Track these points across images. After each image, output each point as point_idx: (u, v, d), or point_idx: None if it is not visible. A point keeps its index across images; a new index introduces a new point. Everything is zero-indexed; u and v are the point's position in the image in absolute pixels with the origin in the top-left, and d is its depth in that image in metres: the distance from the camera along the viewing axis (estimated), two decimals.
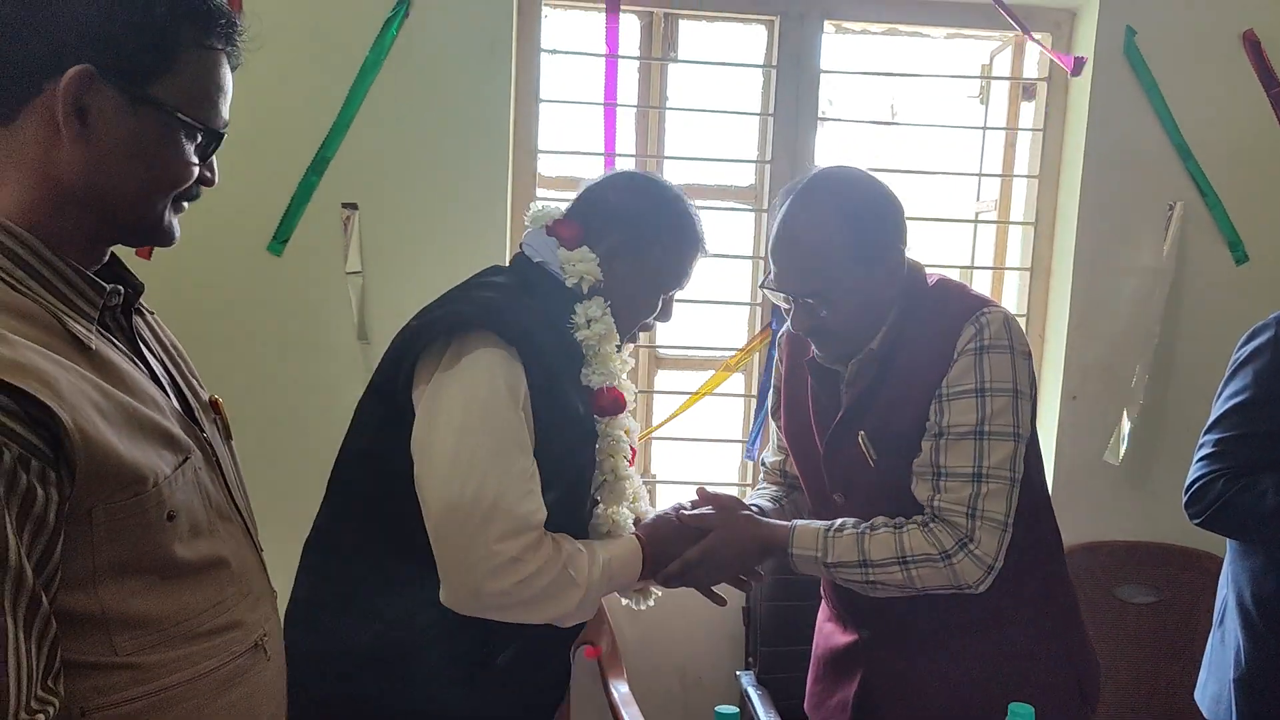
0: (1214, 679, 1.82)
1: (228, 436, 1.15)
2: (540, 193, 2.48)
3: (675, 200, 1.56)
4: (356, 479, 1.43)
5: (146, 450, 0.91)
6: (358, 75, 2.29)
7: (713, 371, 2.54)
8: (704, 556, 1.53)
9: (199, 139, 0.98)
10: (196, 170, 0.99)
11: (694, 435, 2.61)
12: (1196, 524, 1.74)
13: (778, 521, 1.60)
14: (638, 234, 1.52)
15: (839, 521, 1.54)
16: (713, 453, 2.74)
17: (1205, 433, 1.74)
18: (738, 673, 2.41)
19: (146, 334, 1.07)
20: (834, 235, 1.47)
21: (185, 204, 1.02)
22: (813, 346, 1.59)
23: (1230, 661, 1.77)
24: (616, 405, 1.49)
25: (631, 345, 1.63)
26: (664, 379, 2.63)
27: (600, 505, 1.50)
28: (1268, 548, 1.67)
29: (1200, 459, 1.73)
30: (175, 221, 1.02)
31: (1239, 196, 2.48)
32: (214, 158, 1.03)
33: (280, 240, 2.32)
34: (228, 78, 1.01)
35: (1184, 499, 1.74)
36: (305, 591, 1.43)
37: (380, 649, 1.36)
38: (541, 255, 1.50)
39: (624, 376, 1.54)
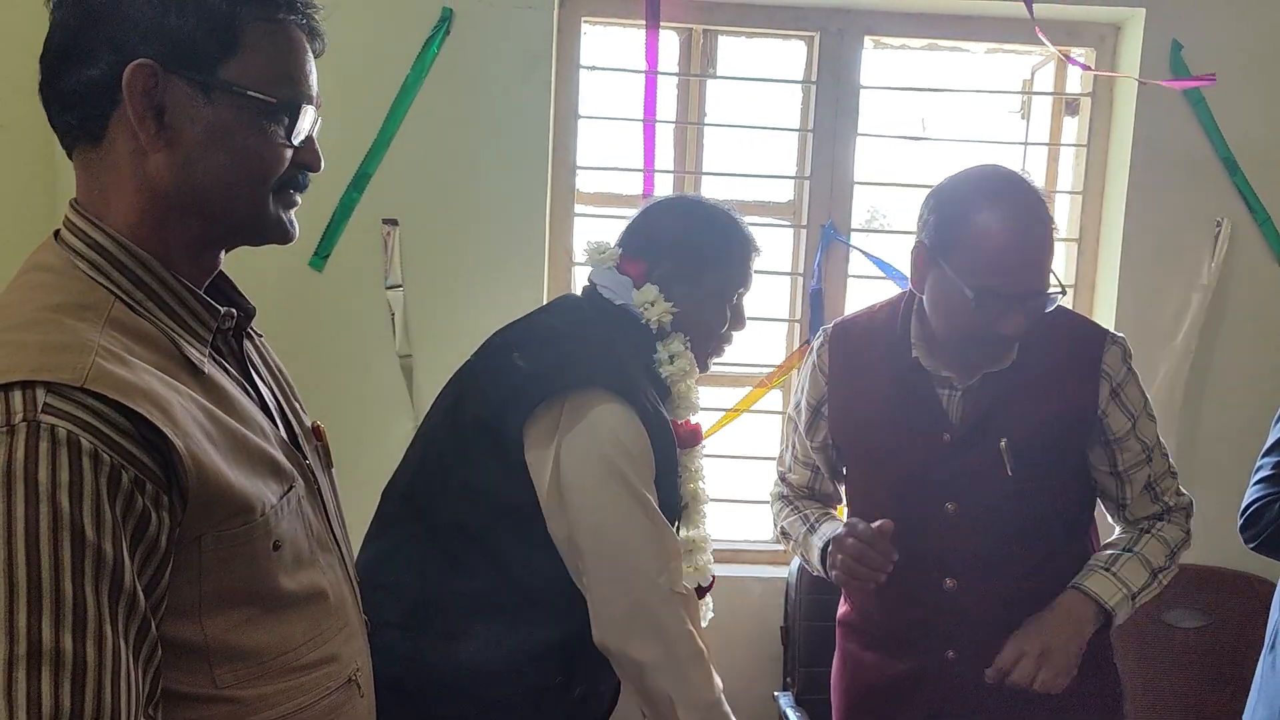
0: (1264, 704, 1.78)
1: (328, 464, 1.13)
2: (578, 209, 2.49)
3: (715, 213, 1.59)
4: (454, 509, 1.44)
5: (255, 479, 0.90)
6: (399, 93, 2.31)
7: (750, 388, 2.53)
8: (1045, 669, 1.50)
9: (283, 118, 0.93)
10: (289, 153, 0.95)
11: (731, 452, 2.59)
12: (1252, 548, 1.70)
13: (1063, 598, 1.57)
14: (688, 257, 1.53)
15: (1104, 555, 1.60)
16: (750, 470, 2.72)
17: (1264, 455, 1.70)
18: (775, 693, 2.38)
19: (256, 358, 1.06)
20: (1050, 232, 1.49)
21: (296, 194, 0.99)
22: (915, 349, 1.58)
23: None
24: (694, 437, 1.56)
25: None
26: (704, 395, 2.62)
27: (681, 528, 1.54)
28: None
29: (1258, 481, 1.68)
30: (289, 215, 0.98)
31: None
32: (315, 138, 0.98)
33: (322, 256, 2.34)
34: (303, 48, 0.96)
35: (1240, 522, 1.70)
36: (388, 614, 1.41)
37: (466, 673, 1.39)
38: (621, 297, 1.53)
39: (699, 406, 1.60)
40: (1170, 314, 2.45)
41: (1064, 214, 2.64)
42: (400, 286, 2.35)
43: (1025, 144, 2.69)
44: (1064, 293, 1.49)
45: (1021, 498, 1.55)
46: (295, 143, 0.95)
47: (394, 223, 2.35)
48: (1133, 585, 1.55)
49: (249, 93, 0.91)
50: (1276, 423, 1.70)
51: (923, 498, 1.57)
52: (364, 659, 1.08)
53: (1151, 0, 2.38)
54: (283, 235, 0.99)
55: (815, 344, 1.73)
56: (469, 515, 1.42)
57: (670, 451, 1.45)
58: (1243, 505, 1.70)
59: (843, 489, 1.82)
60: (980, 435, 1.54)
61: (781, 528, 1.83)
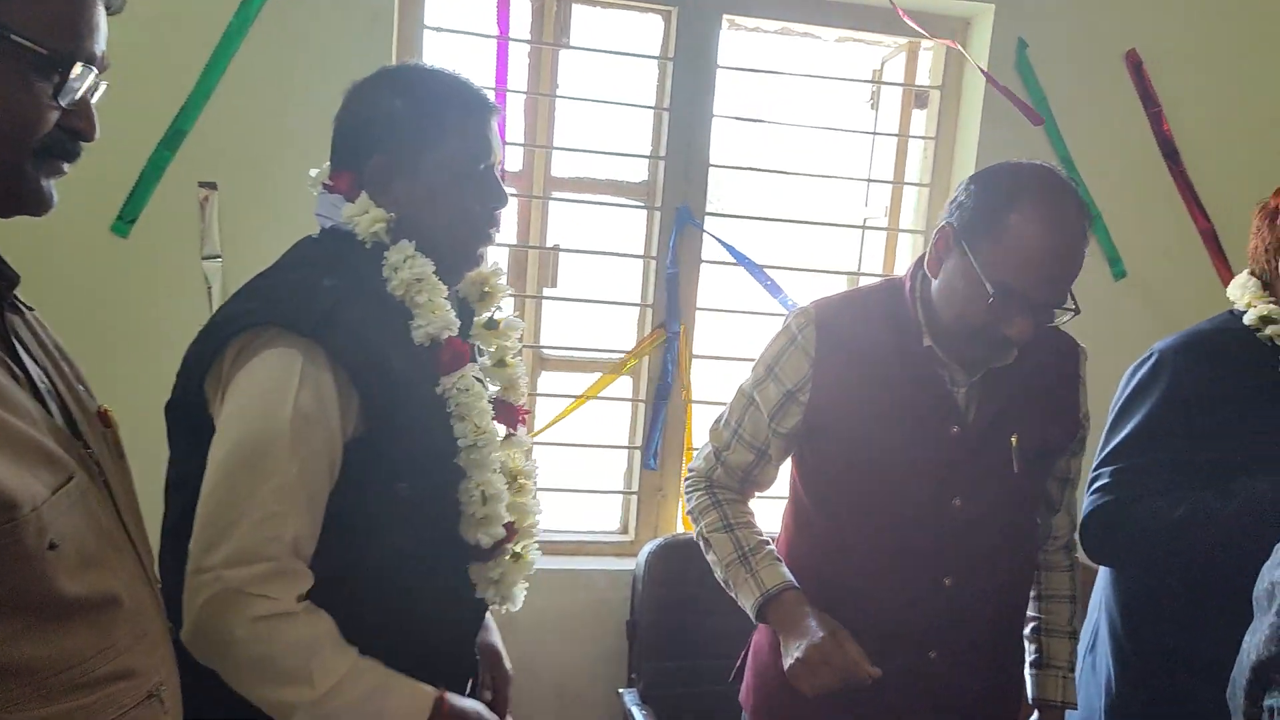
0: (1084, 705, 1.81)
1: (120, 454, 1.00)
2: None
3: (415, 81, 1.34)
4: (169, 512, 1.26)
5: (19, 470, 0.79)
6: (220, 42, 2.08)
7: (600, 374, 2.43)
8: None
9: (53, 74, 0.80)
10: (55, 114, 0.82)
11: (580, 441, 2.49)
12: (1095, 557, 1.70)
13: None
14: (395, 146, 1.29)
15: (1040, 648, 1.65)
16: (599, 459, 2.64)
17: (1099, 466, 1.68)
18: (620, 690, 2.31)
19: (26, 335, 0.92)
20: (1084, 251, 1.42)
21: (64, 165, 0.87)
22: (928, 337, 1.48)
23: (1101, 689, 1.76)
24: (457, 358, 1.30)
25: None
26: (548, 381, 2.51)
27: (467, 478, 1.30)
28: (1167, 561, 1.65)
29: (1095, 490, 1.67)
30: (49, 184, 0.86)
31: (1118, 213, 2.53)
32: (90, 103, 0.85)
33: (127, 220, 2.09)
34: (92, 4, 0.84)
35: (1081, 533, 1.67)
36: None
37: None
38: (331, 218, 1.32)
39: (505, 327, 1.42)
40: None
41: (911, 206, 2.67)
42: (218, 257, 2.13)
43: (874, 134, 2.70)
44: (1078, 312, 1.44)
45: (1019, 497, 1.55)
46: (63, 103, 0.82)
47: (212, 186, 2.12)
48: (1078, 670, 1.71)
49: (13, 36, 0.78)
50: (1110, 433, 1.71)
51: (930, 492, 1.49)
52: (169, 670, 0.96)
53: None
54: (38, 205, 0.87)
55: (794, 325, 1.55)
56: (179, 519, 1.22)
57: (402, 390, 1.23)
58: (1082, 516, 1.67)
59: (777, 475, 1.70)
60: (993, 431, 1.50)
61: (701, 531, 1.66)
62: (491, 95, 1.38)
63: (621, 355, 2.44)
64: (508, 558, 1.37)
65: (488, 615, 1.56)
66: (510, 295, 1.53)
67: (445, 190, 1.30)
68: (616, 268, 2.54)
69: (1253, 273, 1.72)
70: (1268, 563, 0.78)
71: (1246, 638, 0.81)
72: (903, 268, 2.67)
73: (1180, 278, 2.58)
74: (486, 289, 1.46)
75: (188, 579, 1.13)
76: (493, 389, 1.44)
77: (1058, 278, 1.39)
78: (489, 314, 1.47)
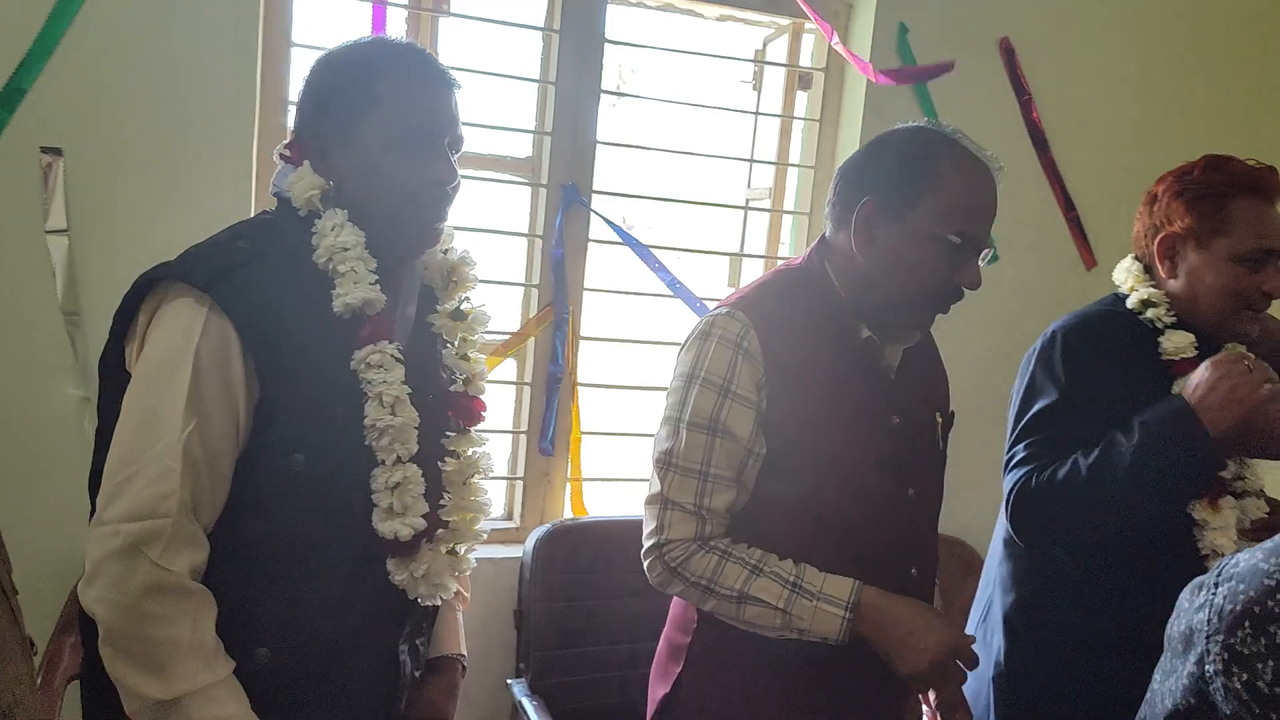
0: (973, 676, 1.84)
1: None
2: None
3: (342, 52, 1.30)
4: (94, 465, 1.23)
5: None
6: None
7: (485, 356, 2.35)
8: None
9: None
10: None
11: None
12: (1026, 535, 1.66)
13: None
14: (328, 115, 1.27)
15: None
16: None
17: (1013, 444, 1.68)
18: (508, 681, 2.24)
19: None
20: None
21: None
22: (865, 328, 1.44)
23: (990, 660, 1.80)
24: (376, 334, 1.25)
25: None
26: None
27: (379, 469, 1.25)
28: (1090, 523, 1.61)
29: (1014, 465, 1.66)
30: None
31: None
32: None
33: None
34: None
35: (1009, 510, 1.65)
36: None
37: None
38: (278, 186, 1.32)
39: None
40: None
41: (793, 188, 2.68)
42: (65, 230, 1.94)
43: (756, 114, 2.70)
44: (996, 257, 1.50)
45: (940, 476, 1.58)
46: None
47: (57, 152, 1.93)
48: None
49: None
50: (1017, 411, 1.72)
51: (889, 488, 1.45)
52: (25, 687, 0.87)
53: None
54: None
55: (733, 332, 1.40)
56: (94, 466, 1.23)
57: (304, 357, 1.20)
58: (1009, 491, 1.66)
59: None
60: (919, 414, 1.50)
61: (729, 595, 1.39)
62: (452, 72, 1.33)
63: (506, 337, 2.36)
64: (443, 551, 1.32)
65: (457, 617, 1.52)
66: (479, 284, 1.45)
67: (377, 160, 1.26)
68: (499, 246, 2.45)
69: (1136, 257, 1.79)
70: (1185, 598, 0.72)
71: (1158, 677, 0.75)
72: (786, 249, 2.71)
73: (1046, 262, 2.68)
74: (454, 277, 1.41)
75: (90, 529, 1.15)
76: (457, 381, 1.40)
77: (991, 215, 1.45)
78: (455, 303, 1.41)
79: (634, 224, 2.53)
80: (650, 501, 1.45)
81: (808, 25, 2.59)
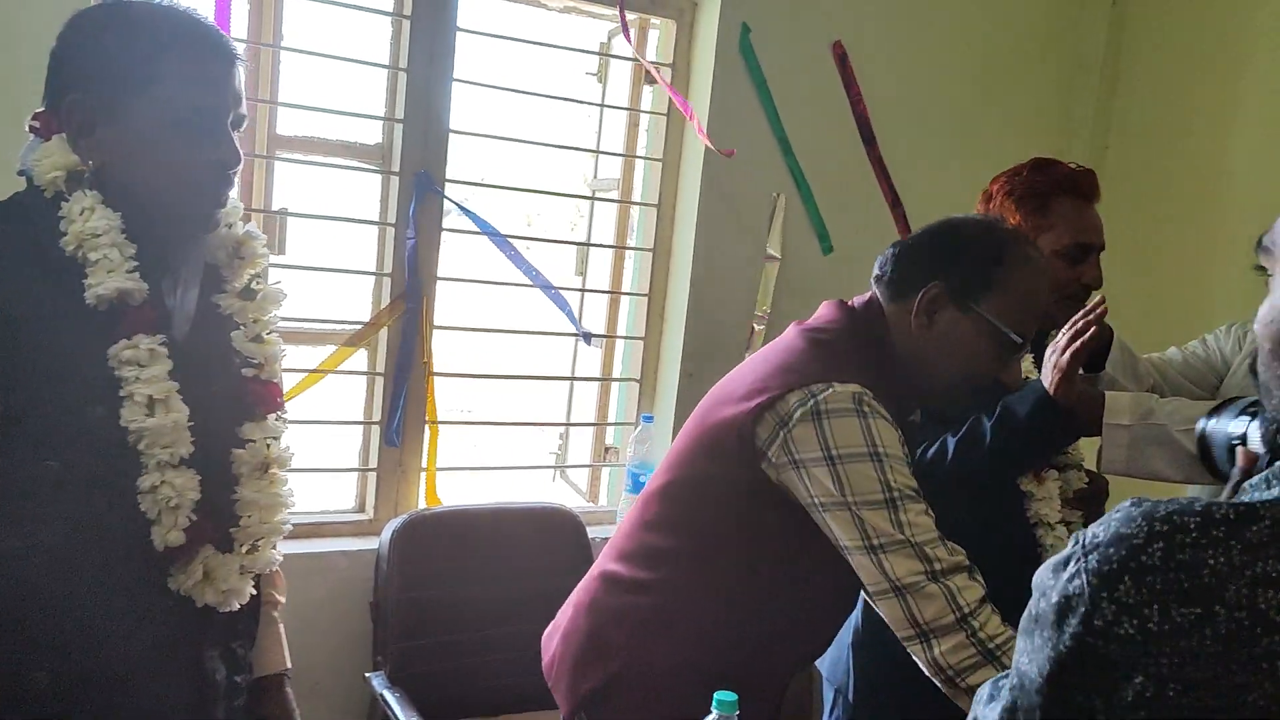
0: (835, 642, 1.96)
1: None
2: None
3: (139, 16, 1.19)
4: None
5: None
6: None
7: (336, 347, 2.31)
8: None
9: None
10: None
11: (313, 417, 2.35)
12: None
13: None
14: (99, 83, 1.16)
15: None
16: (333, 436, 2.51)
17: None
18: (366, 674, 2.22)
19: None
20: None
21: None
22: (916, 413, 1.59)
23: (850, 627, 1.92)
24: (138, 322, 1.16)
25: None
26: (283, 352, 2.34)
27: (143, 474, 1.17)
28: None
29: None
30: None
31: (827, 192, 2.74)
32: None
33: None
34: None
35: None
36: None
37: None
38: (22, 163, 1.20)
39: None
40: (738, 279, 2.65)
41: (640, 180, 2.74)
42: None
43: (602, 107, 2.75)
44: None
45: None
46: None
47: None
48: None
49: None
50: None
51: None
52: None
53: None
54: None
55: (864, 403, 1.39)
56: None
57: (48, 355, 1.12)
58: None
59: None
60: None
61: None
62: (236, 45, 1.26)
63: (358, 327, 2.32)
64: (242, 551, 1.26)
65: (277, 626, 1.45)
66: (270, 264, 1.38)
67: (153, 139, 1.17)
68: (349, 235, 2.41)
69: None
70: (1047, 577, 0.75)
71: (1022, 660, 0.78)
72: (634, 239, 2.76)
73: (876, 254, 2.83)
74: (241, 253, 1.33)
75: None
76: (249, 366, 1.31)
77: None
78: (245, 282, 1.33)
79: (484, 211, 2.53)
80: (905, 589, 1.35)
81: (652, 21, 2.66)
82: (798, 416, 1.39)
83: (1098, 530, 0.73)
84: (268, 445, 1.31)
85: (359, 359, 2.38)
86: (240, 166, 1.26)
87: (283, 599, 1.49)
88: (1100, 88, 3.06)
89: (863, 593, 1.80)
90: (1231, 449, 1.38)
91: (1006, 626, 1.34)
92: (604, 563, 1.64)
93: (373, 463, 2.41)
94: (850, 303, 1.55)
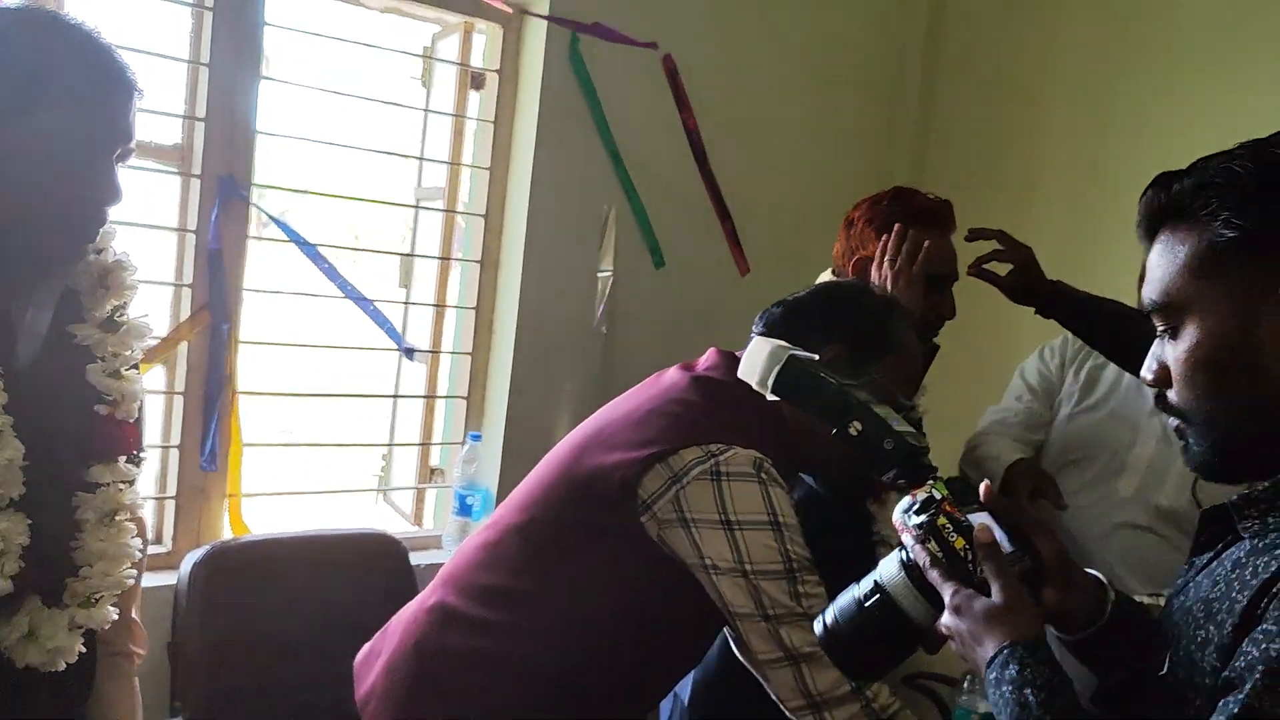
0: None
1: None
2: None
3: (35, 31, 1.09)
4: None
5: None
6: None
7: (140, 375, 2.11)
8: None
9: None
10: None
11: None
12: None
13: None
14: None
15: None
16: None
17: None
18: None
19: None
20: None
21: None
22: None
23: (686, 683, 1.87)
24: None
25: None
26: None
27: None
28: None
29: None
30: None
31: (659, 206, 2.71)
32: None
33: None
34: None
35: None
36: None
37: None
38: None
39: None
40: (570, 290, 2.58)
41: (467, 188, 2.64)
42: None
43: (426, 112, 2.64)
44: None
45: None
46: None
47: None
48: None
49: None
50: None
51: None
52: None
53: None
54: None
55: (761, 469, 1.37)
56: None
57: None
58: None
59: None
60: None
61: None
62: (138, 77, 1.14)
63: (157, 341, 2.13)
64: (74, 605, 1.13)
65: (131, 690, 1.34)
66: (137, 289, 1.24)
67: (27, 169, 1.06)
68: (144, 241, 2.21)
69: (834, 271, 1.93)
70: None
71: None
72: (460, 249, 2.65)
73: (706, 268, 2.84)
74: (108, 282, 1.20)
75: None
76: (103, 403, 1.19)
77: None
78: (107, 312, 1.20)
79: (300, 220, 2.38)
80: (802, 659, 1.32)
81: (478, 25, 2.57)
82: (694, 475, 1.35)
83: None
84: (119, 490, 1.19)
85: (156, 376, 2.18)
86: (119, 203, 1.14)
87: (143, 651, 1.38)
88: (919, 105, 3.15)
89: (723, 654, 1.72)
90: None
91: (895, 698, 1.34)
92: (439, 594, 1.53)
93: (172, 490, 2.21)
94: (738, 355, 1.45)
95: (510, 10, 2.24)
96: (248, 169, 2.20)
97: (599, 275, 2.61)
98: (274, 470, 2.96)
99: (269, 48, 2.23)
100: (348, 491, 2.83)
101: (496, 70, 2.55)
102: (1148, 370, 0.96)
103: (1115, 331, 1.81)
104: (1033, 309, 1.88)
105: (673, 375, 1.51)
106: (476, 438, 2.52)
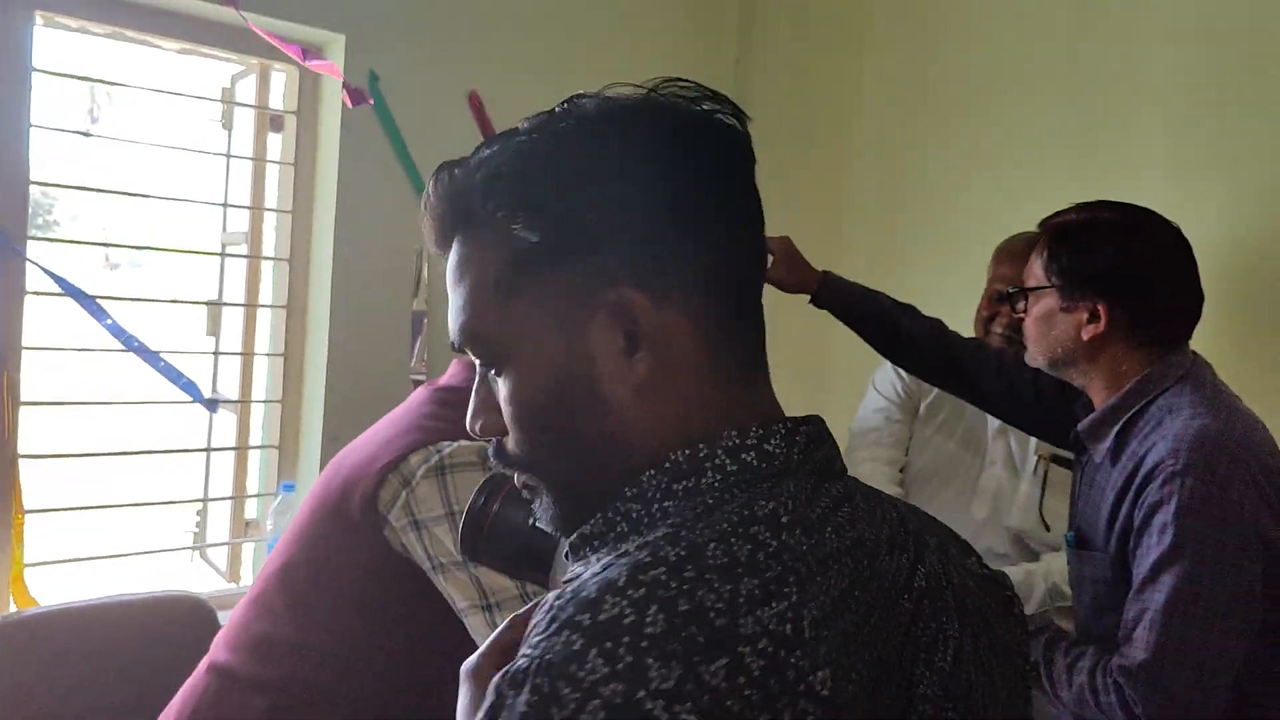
0: None
1: None
2: None
3: None
4: None
5: None
6: None
7: None
8: None
9: None
10: None
11: None
12: None
13: None
14: None
15: None
16: None
17: None
18: None
19: None
20: None
21: None
22: None
23: None
24: None
25: None
26: None
27: None
28: None
29: None
30: None
31: None
32: None
33: None
34: None
35: None
36: None
37: None
38: None
39: None
40: (389, 335, 2.53)
41: (272, 232, 2.57)
42: None
43: (229, 156, 2.56)
44: None
45: None
46: None
47: None
48: None
49: None
50: None
51: None
52: None
53: (351, 29, 2.44)
54: None
55: (486, 457, 1.32)
56: None
57: None
58: None
59: None
60: None
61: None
62: None
63: None
64: None
65: None
66: None
67: None
68: None
69: None
70: None
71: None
72: (267, 296, 2.58)
73: None
74: None
75: None
76: None
77: None
78: None
79: (120, 264, 2.27)
80: None
81: (276, 65, 2.51)
82: (421, 474, 1.32)
83: None
84: None
85: None
86: None
87: None
88: None
89: None
90: None
91: None
92: (214, 652, 1.46)
93: None
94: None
95: (300, 58, 2.19)
96: (21, 221, 2.09)
97: (413, 315, 2.57)
98: (89, 535, 2.80)
99: (63, 95, 2.13)
100: (154, 552, 2.70)
101: (295, 112, 2.50)
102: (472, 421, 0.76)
103: (884, 323, 1.82)
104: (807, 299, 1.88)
105: (417, 394, 1.49)
106: (290, 488, 2.44)
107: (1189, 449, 1.34)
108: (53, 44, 2.19)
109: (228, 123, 2.65)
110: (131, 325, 2.23)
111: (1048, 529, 1.94)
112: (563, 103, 0.74)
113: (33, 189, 2.13)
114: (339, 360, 2.47)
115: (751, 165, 0.74)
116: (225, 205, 2.57)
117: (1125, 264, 1.48)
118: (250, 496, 2.57)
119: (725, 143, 0.73)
